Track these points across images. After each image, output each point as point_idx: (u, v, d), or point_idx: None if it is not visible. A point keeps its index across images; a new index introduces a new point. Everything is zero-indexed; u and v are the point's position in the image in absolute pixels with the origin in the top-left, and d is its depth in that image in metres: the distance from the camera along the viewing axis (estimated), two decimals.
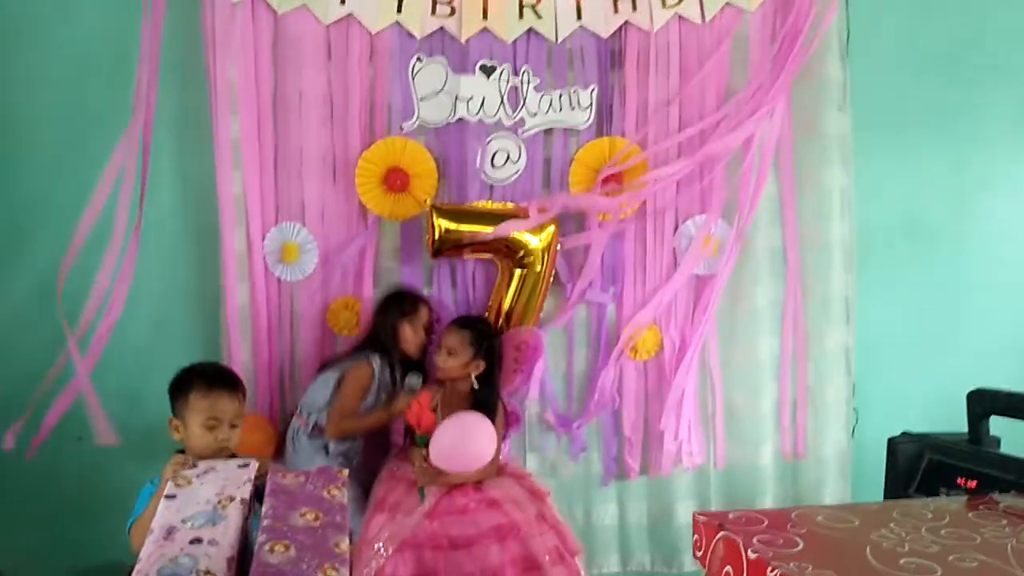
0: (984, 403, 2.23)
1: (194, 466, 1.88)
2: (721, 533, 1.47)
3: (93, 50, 2.77)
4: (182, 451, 1.98)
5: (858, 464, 3.05)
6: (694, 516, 1.57)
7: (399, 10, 2.80)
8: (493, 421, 2.59)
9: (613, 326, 2.98)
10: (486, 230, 2.74)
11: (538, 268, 2.80)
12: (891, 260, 3.18)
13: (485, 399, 2.62)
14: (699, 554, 1.55)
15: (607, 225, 2.87)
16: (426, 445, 2.38)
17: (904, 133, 3.17)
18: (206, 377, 1.99)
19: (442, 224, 2.71)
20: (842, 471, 3.07)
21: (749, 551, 1.37)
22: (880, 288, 3.14)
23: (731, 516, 1.54)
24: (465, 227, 2.74)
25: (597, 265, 2.89)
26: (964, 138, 3.22)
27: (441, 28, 2.83)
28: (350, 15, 2.77)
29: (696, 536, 1.56)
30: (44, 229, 2.78)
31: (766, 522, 1.50)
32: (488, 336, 2.67)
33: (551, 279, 2.85)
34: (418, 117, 2.83)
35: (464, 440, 2.38)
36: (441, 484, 2.44)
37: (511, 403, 2.76)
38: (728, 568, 1.43)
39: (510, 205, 2.84)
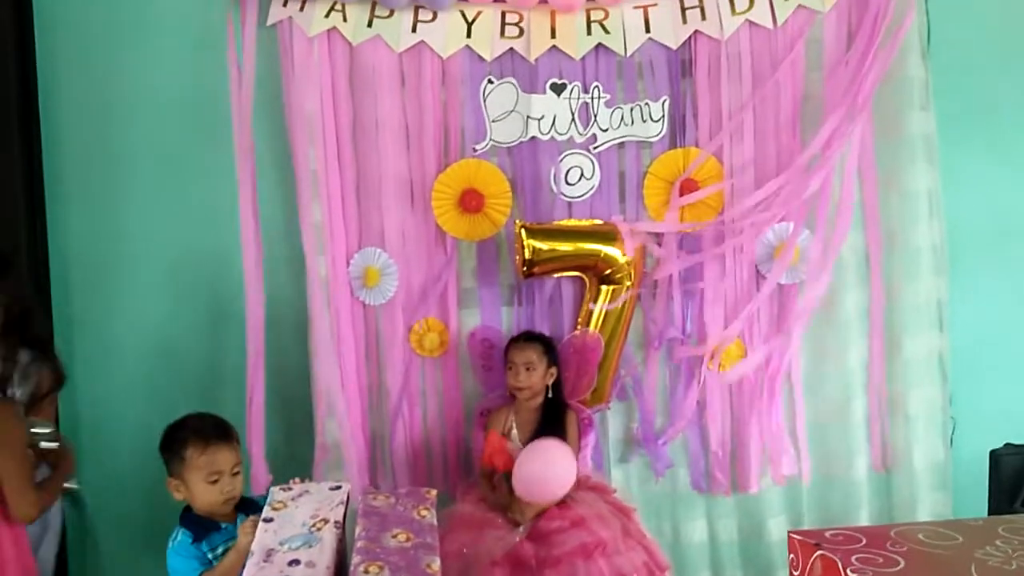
0: None
1: (289, 489, 1.95)
2: (818, 552, 1.44)
3: (181, 90, 2.90)
4: (188, 509, 1.98)
5: (960, 478, 2.92)
6: (789, 535, 1.54)
7: (468, 35, 2.84)
8: (566, 428, 2.64)
9: (695, 339, 2.93)
10: (576, 247, 2.78)
11: (627, 283, 2.82)
12: (985, 262, 3.06)
13: (557, 408, 2.66)
14: (796, 574, 1.52)
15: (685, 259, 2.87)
16: (510, 484, 2.41)
17: (994, 130, 3.06)
18: (200, 433, 1.95)
19: (532, 244, 2.75)
20: (941, 483, 2.94)
21: (848, 570, 1.34)
22: (974, 291, 3.02)
23: (828, 534, 1.50)
24: (555, 245, 2.78)
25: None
26: None
27: (510, 49, 2.86)
28: (421, 42, 2.83)
29: (792, 555, 1.52)
30: (143, 267, 2.92)
31: (864, 540, 1.46)
32: (552, 344, 2.73)
33: (638, 295, 2.87)
34: (490, 138, 2.87)
35: (547, 470, 2.40)
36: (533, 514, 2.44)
37: (581, 408, 2.78)
38: None
39: (597, 222, 2.86)
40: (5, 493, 1.93)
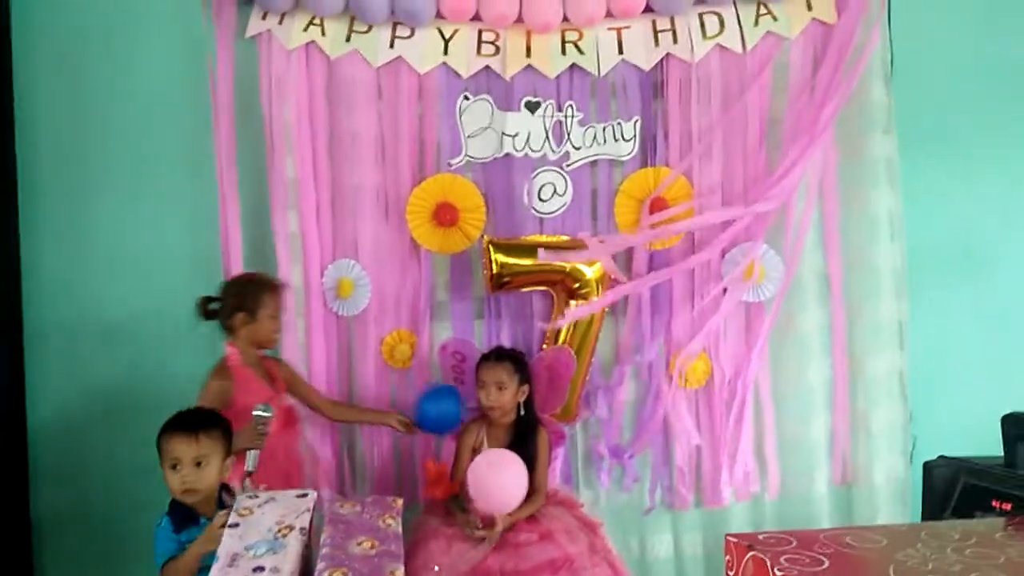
0: (1019, 426, 2.24)
1: (255, 496, 1.96)
2: (751, 553, 1.50)
3: (160, 97, 2.93)
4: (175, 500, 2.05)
5: (917, 490, 2.98)
6: (726, 538, 1.60)
7: (445, 51, 2.90)
8: (537, 444, 2.66)
9: (662, 354, 2.98)
10: (543, 262, 2.82)
11: (594, 298, 2.86)
12: (946, 283, 3.14)
13: (528, 424, 2.68)
14: (731, 574, 1.58)
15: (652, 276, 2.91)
16: (462, 508, 2.45)
17: (955, 153, 3.15)
18: (171, 422, 2.06)
19: (499, 259, 2.79)
20: (900, 497, 3.00)
21: (776, 569, 1.40)
22: (935, 312, 3.10)
23: (761, 537, 1.57)
24: (521, 260, 2.82)
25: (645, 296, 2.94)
26: (1016, 154, 3.18)
27: (486, 67, 2.92)
28: (399, 57, 2.88)
29: (728, 557, 1.58)
30: (117, 269, 2.93)
31: (795, 542, 1.53)
32: (524, 361, 2.74)
33: (605, 309, 2.91)
34: (465, 153, 2.91)
35: (497, 479, 2.45)
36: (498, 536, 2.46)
37: (552, 421, 2.81)
38: None
39: (564, 238, 2.91)
40: None
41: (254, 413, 2.26)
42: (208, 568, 1.77)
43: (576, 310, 2.83)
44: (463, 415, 2.66)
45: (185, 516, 2.02)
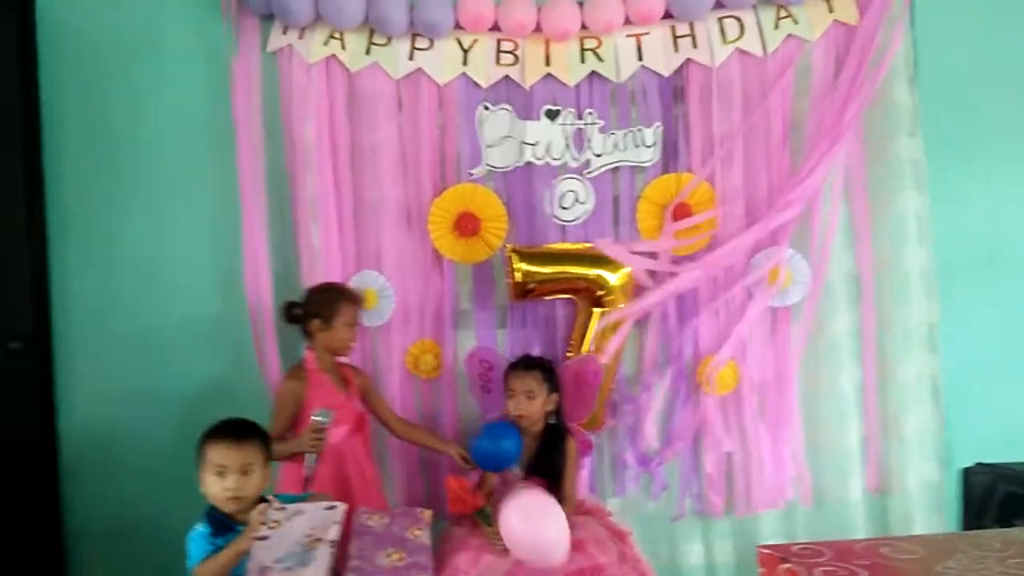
0: None
1: (283, 509, 1.96)
2: (784, 565, 1.46)
3: (183, 113, 2.95)
4: (213, 507, 2.04)
5: (950, 498, 2.93)
6: (758, 549, 1.57)
7: (465, 62, 2.90)
8: (566, 454, 2.62)
9: (690, 362, 2.96)
10: (566, 270, 2.82)
11: (619, 306, 2.85)
12: (976, 285, 3.09)
13: (558, 433, 2.66)
14: None
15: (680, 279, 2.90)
16: (488, 522, 2.41)
17: (982, 154, 3.11)
18: (215, 428, 2.06)
19: (523, 267, 2.79)
20: (935, 504, 2.93)
21: None
22: (962, 315, 3.05)
23: (795, 549, 1.54)
24: (545, 268, 2.82)
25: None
26: None
27: (506, 76, 2.92)
28: (419, 69, 2.89)
29: (762, 569, 1.55)
30: (143, 281, 2.95)
31: (830, 554, 1.49)
32: (553, 370, 2.72)
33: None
34: (486, 163, 2.91)
35: (536, 534, 2.34)
36: None
37: (579, 432, 2.79)
38: None
39: (587, 245, 2.89)
40: None
41: (312, 418, 2.35)
42: None
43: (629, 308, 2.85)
44: (520, 451, 2.59)
45: (222, 524, 2.01)
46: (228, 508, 2.01)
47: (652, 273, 2.92)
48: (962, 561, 1.45)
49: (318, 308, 2.56)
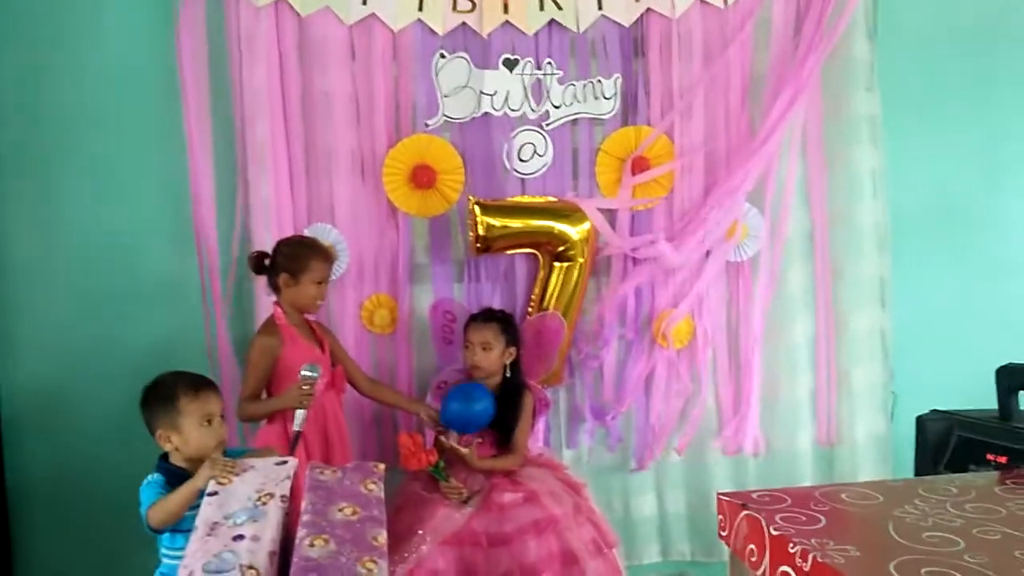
0: (1013, 378, 2.20)
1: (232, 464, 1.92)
2: (744, 512, 1.47)
3: (123, 64, 2.82)
4: (165, 458, 2.00)
5: (898, 448, 3.00)
6: (718, 496, 1.58)
7: (420, 7, 2.81)
8: (522, 408, 2.64)
9: (646, 315, 2.97)
10: (529, 224, 2.78)
11: (580, 260, 2.83)
12: (927, 240, 3.13)
13: (515, 387, 2.65)
14: (724, 534, 1.56)
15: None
16: (444, 477, 2.43)
17: (936, 111, 3.12)
18: (189, 380, 2.02)
19: (486, 220, 2.75)
20: (881, 455, 3.03)
21: (771, 528, 1.37)
22: (916, 269, 3.09)
23: (755, 495, 1.55)
24: (508, 222, 2.78)
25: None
26: (998, 113, 3.16)
27: (463, 24, 2.84)
28: (372, 14, 2.79)
29: (721, 516, 1.56)
30: (91, 242, 2.85)
31: (789, 501, 1.51)
32: (512, 323, 2.71)
33: (591, 271, 2.89)
34: (442, 113, 2.85)
35: None
36: (480, 493, 2.46)
37: (538, 388, 2.79)
38: (751, 546, 1.44)
39: (550, 198, 2.87)
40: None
41: (301, 373, 2.29)
42: (188, 532, 1.74)
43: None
44: (491, 413, 2.58)
45: (178, 475, 1.96)
46: (215, 455, 1.95)
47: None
48: (920, 506, 1.47)
49: (286, 262, 2.47)
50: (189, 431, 1.97)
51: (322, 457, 2.42)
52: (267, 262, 2.50)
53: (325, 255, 2.53)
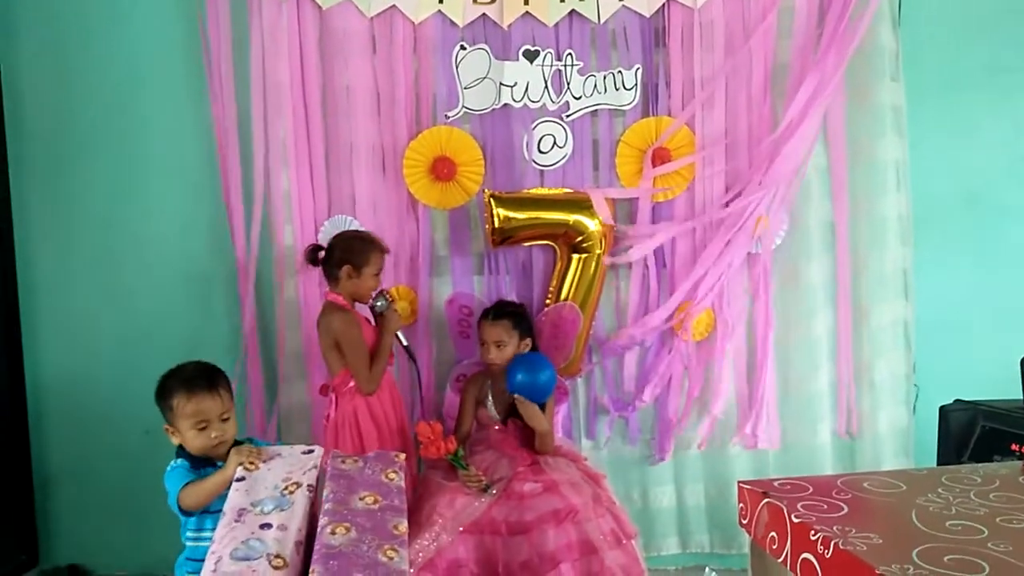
0: None
1: (259, 452, 1.95)
2: (765, 500, 1.46)
3: (151, 56, 2.87)
4: (182, 447, 2.00)
5: (920, 439, 2.98)
6: (739, 485, 1.56)
7: (440, 0, 2.81)
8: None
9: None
10: (545, 216, 2.78)
11: (597, 252, 2.83)
12: (950, 231, 3.09)
13: None
14: (744, 522, 1.55)
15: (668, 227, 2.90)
16: (463, 465, 2.44)
17: (961, 101, 3.07)
18: (185, 381, 1.99)
19: (501, 212, 2.75)
20: (903, 447, 3.01)
21: (792, 516, 1.36)
22: (940, 261, 3.06)
23: (776, 484, 1.53)
24: (524, 214, 2.78)
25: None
26: (1023, 103, 3.10)
27: (483, 15, 2.84)
28: (393, 7, 2.80)
29: (742, 504, 1.55)
30: (114, 232, 2.90)
31: (811, 489, 1.49)
32: (525, 316, 2.73)
33: (606, 266, 2.88)
34: (462, 105, 2.85)
35: None
36: (501, 482, 2.46)
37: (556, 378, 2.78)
38: (773, 534, 1.42)
39: (567, 190, 2.86)
40: (355, 379, 2.55)
41: (377, 303, 2.60)
42: (217, 513, 1.77)
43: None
44: (555, 382, 2.67)
45: (199, 461, 1.98)
46: (213, 454, 1.98)
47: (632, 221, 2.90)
48: (944, 495, 1.46)
49: (350, 255, 2.56)
50: (185, 433, 1.98)
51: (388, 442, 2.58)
52: (323, 254, 2.59)
53: (383, 249, 2.63)
